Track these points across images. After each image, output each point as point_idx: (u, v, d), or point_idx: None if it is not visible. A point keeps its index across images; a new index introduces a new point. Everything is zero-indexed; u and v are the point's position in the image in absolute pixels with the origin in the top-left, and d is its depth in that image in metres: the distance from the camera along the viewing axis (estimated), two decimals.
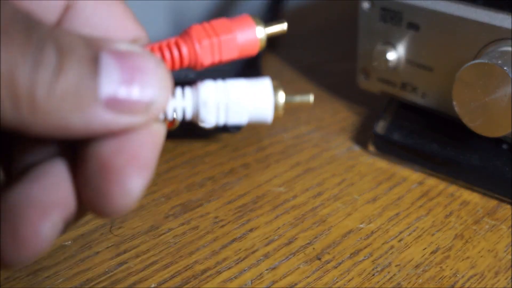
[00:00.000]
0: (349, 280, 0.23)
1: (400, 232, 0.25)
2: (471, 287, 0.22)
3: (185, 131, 0.31)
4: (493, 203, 0.27)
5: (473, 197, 0.27)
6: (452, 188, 0.28)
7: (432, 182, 0.28)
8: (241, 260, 0.24)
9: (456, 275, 0.23)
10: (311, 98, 0.21)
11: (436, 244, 0.25)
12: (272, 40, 0.43)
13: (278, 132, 0.33)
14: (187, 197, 0.28)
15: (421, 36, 0.28)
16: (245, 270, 0.23)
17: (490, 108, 0.25)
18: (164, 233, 0.25)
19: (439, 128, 0.30)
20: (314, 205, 0.27)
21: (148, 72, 0.15)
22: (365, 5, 0.30)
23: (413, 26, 0.29)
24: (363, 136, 0.32)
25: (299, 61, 0.41)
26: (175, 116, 0.19)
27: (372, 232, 0.25)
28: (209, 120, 0.19)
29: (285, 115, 0.36)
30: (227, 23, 0.20)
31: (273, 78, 0.20)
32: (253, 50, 0.20)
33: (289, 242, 0.25)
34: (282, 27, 0.21)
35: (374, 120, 0.32)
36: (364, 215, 0.26)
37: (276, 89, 0.20)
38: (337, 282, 0.23)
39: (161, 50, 0.19)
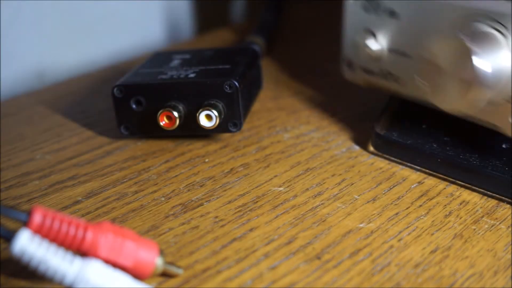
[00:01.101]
0: (349, 280, 0.23)
1: (400, 232, 0.25)
2: (470, 287, 0.23)
3: (185, 131, 0.31)
4: (492, 202, 0.27)
5: (472, 197, 0.27)
6: (452, 188, 0.28)
7: (431, 182, 0.28)
8: (241, 260, 0.24)
9: (455, 275, 0.23)
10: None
11: (435, 244, 0.25)
12: (271, 40, 0.43)
13: (278, 132, 0.33)
14: (187, 197, 0.28)
15: (400, 23, 0.29)
16: (245, 270, 0.23)
17: (459, 87, 0.25)
18: (164, 233, 0.25)
19: (439, 128, 0.30)
20: (314, 205, 0.27)
21: None
22: None
23: (393, 14, 0.29)
24: (363, 136, 0.32)
25: (299, 61, 0.42)
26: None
27: (372, 232, 0.25)
28: None
29: (285, 115, 0.36)
30: (136, 237, 0.22)
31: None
32: (146, 270, 0.22)
33: (289, 242, 0.25)
34: (178, 272, 0.23)
35: (374, 120, 0.32)
36: (364, 214, 0.26)
37: None
38: (336, 281, 0.23)
39: (69, 224, 0.20)
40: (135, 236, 0.22)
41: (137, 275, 0.21)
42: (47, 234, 0.20)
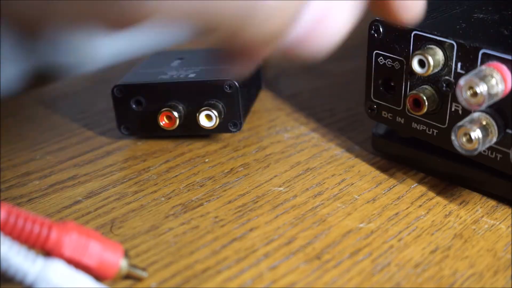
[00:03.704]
0: (349, 280, 0.23)
1: (400, 232, 0.25)
2: (470, 287, 0.23)
3: (185, 131, 0.31)
4: (492, 202, 0.27)
5: (472, 197, 0.27)
6: (452, 188, 0.28)
7: (431, 181, 0.28)
8: (241, 260, 0.24)
9: (455, 275, 0.23)
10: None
11: (435, 244, 0.25)
12: None
13: (278, 132, 0.33)
14: (187, 197, 0.28)
15: None
16: (245, 270, 0.23)
17: None
18: (164, 233, 0.25)
19: None
20: (314, 205, 0.27)
21: None
22: None
23: None
24: (363, 136, 0.32)
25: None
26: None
27: (372, 232, 0.25)
28: None
29: (285, 115, 0.36)
30: (101, 237, 0.22)
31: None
32: (110, 271, 0.22)
33: (289, 242, 0.25)
34: (142, 275, 0.23)
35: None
36: (364, 214, 0.26)
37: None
38: (336, 281, 0.23)
39: (33, 222, 0.20)
40: (99, 236, 0.21)
41: (100, 276, 0.21)
42: (11, 231, 0.20)
